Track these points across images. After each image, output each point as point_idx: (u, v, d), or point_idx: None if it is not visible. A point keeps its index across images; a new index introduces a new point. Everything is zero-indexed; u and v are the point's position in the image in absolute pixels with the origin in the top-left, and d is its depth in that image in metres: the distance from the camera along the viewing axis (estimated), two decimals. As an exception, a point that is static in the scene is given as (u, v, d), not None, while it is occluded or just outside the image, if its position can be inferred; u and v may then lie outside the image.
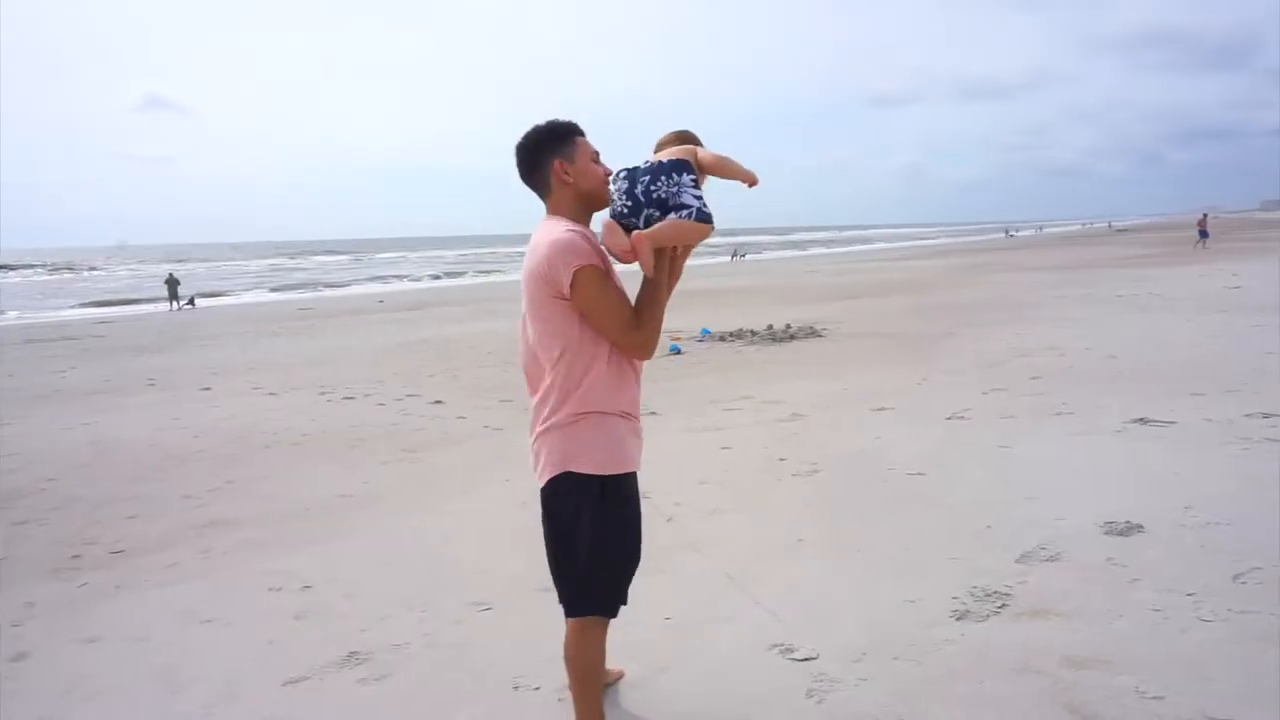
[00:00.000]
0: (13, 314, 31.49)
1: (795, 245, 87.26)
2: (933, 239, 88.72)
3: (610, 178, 2.27)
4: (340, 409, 8.48)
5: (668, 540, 4.21)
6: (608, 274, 2.20)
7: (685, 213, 2.16)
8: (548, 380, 2.24)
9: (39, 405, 9.57)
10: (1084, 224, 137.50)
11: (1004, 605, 3.25)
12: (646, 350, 2.24)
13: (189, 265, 68.26)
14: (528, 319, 2.26)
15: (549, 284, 2.15)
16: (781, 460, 5.59)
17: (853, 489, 4.90)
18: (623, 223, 2.22)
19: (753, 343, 11.77)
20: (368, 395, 9.14)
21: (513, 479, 5.49)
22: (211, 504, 5.41)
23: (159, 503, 5.49)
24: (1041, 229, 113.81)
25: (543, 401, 2.26)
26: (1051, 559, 3.67)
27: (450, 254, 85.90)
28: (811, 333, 12.28)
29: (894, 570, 3.67)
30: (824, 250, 69.32)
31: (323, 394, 9.39)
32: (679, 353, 11.08)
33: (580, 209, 2.28)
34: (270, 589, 3.92)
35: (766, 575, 3.73)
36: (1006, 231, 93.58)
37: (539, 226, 2.26)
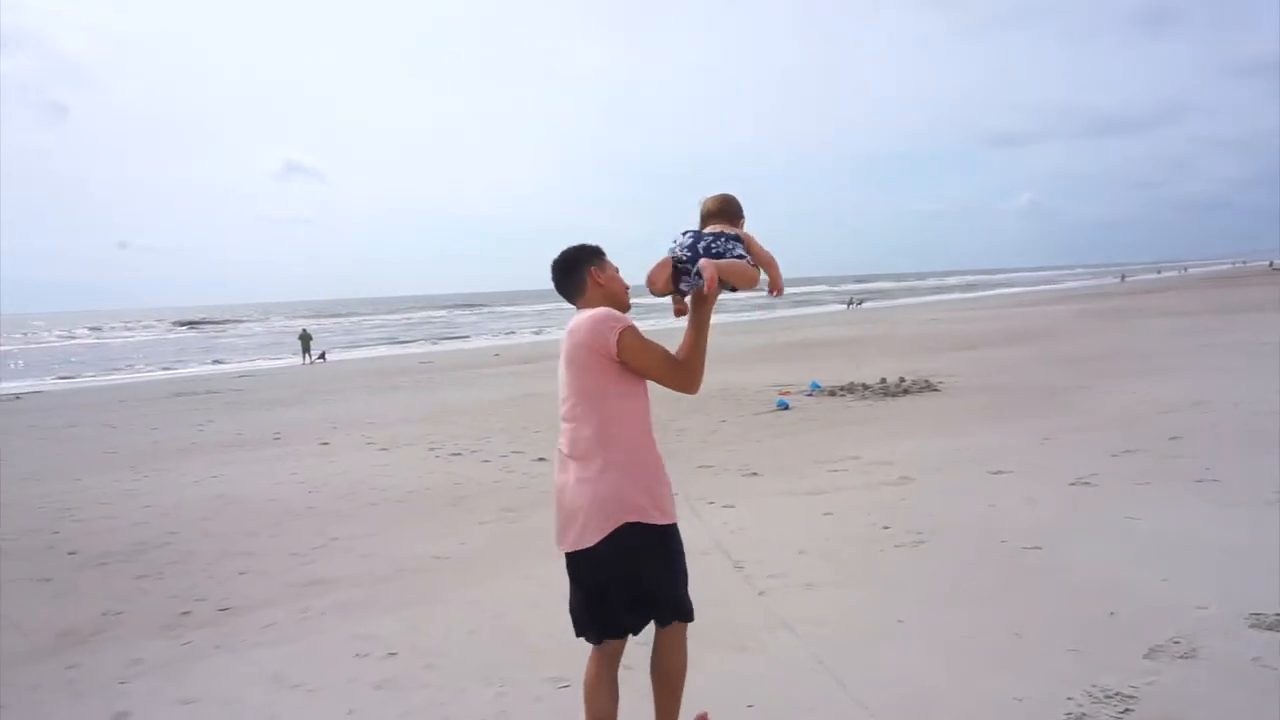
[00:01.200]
0: (159, 371, 33.96)
1: (913, 292, 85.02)
2: (1060, 282, 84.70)
3: (679, 237, 2.61)
4: (446, 465, 8.65)
5: (758, 617, 4.01)
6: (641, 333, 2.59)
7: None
8: (581, 438, 2.55)
9: (176, 458, 10.19)
10: (1236, 263, 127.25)
11: (1128, 710, 2.91)
12: (694, 384, 2.65)
13: (322, 321, 72.20)
14: (570, 388, 2.59)
15: (597, 349, 2.50)
16: (886, 529, 5.30)
17: (961, 563, 4.57)
18: (677, 265, 2.54)
19: (864, 398, 11.38)
20: (474, 451, 9.30)
21: (605, 543, 5.40)
22: (315, 561, 5.55)
23: (267, 559, 5.67)
24: (1186, 269, 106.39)
25: (588, 458, 2.55)
26: (1186, 655, 3.28)
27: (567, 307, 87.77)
28: (927, 386, 11.79)
29: (1002, 661, 3.36)
30: (943, 297, 67.21)
31: (431, 449, 9.62)
32: (786, 408, 10.82)
33: (608, 306, 2.67)
34: (357, 654, 3.94)
35: (860, 660, 3.48)
36: (1122, 276, 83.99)
37: (574, 316, 2.64)
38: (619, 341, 2.48)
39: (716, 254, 2.48)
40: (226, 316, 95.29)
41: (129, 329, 75.79)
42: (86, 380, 31.01)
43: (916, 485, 6.39)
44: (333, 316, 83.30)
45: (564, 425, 2.59)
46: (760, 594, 4.33)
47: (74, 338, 66.75)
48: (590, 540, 2.49)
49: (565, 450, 2.59)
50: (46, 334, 72.55)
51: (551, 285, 2.77)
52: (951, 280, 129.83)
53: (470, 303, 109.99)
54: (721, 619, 4.03)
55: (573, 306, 2.72)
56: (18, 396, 23.87)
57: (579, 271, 2.71)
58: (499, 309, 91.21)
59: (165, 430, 13.15)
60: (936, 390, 11.54)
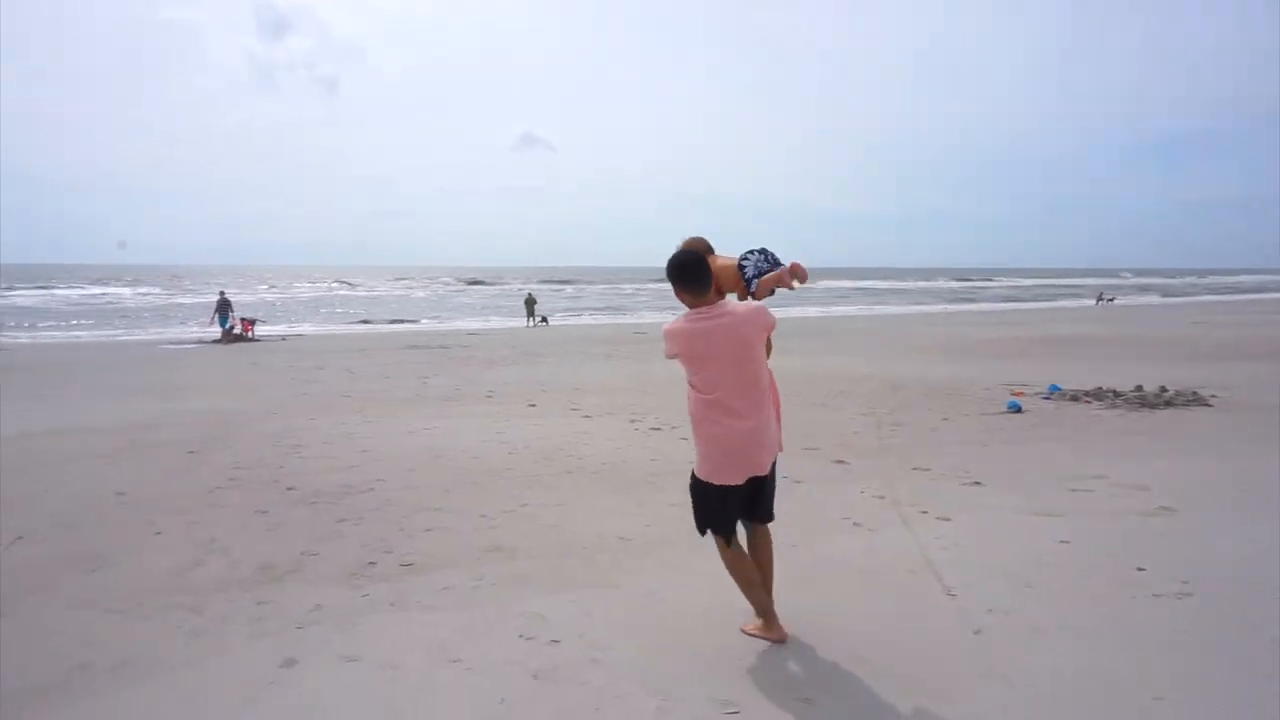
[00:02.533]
0: (399, 324, 36.76)
1: (1174, 291, 75.73)
2: (1375, 290, 72.08)
3: (751, 251, 3.65)
4: (645, 440, 8.45)
5: (969, 660, 3.39)
6: None
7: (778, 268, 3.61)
8: (759, 391, 3.54)
9: (398, 407, 10.76)
10: None
11: None
12: None
13: (548, 286, 75.48)
14: (744, 361, 3.46)
15: (767, 327, 3.53)
16: (1140, 570, 4.40)
17: (1236, 625, 3.66)
18: (763, 272, 3.59)
19: (1114, 406, 9.96)
20: (674, 428, 9.03)
21: (801, 545, 4.91)
22: (500, 526, 5.48)
23: (457, 518, 5.68)
24: None
25: (766, 409, 3.57)
26: None
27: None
28: (1195, 399, 10.12)
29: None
30: (1212, 297, 59.28)
31: (632, 421, 9.47)
32: (1019, 410, 9.68)
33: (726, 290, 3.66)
34: (522, 635, 3.74)
35: (1103, 740, 2.79)
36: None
37: (722, 304, 3.56)
38: (773, 323, 3.55)
39: (775, 263, 3.60)
40: (478, 276, 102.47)
41: (407, 283, 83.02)
42: (339, 327, 34.27)
43: (1181, 519, 5.34)
44: (558, 282, 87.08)
45: (733, 387, 3.44)
46: (976, 632, 3.68)
47: (331, 290, 74.36)
48: (770, 464, 3.65)
49: (736, 405, 3.44)
50: (309, 285, 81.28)
51: (677, 277, 3.52)
52: (1230, 280, 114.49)
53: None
54: (923, 654, 3.45)
55: (675, 293, 3.57)
56: (284, 338, 26.71)
57: (706, 267, 3.52)
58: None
59: (395, 380, 14.03)
60: (1207, 404, 9.87)
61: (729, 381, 3.42)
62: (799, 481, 6.61)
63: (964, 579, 4.33)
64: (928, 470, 6.88)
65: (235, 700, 3.23)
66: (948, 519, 5.44)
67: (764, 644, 3.64)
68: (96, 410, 10.87)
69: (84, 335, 30.76)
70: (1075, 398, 10.50)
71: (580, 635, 3.74)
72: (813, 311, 44.01)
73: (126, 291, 63.48)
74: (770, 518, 3.77)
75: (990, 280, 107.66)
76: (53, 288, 64.50)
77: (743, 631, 3.74)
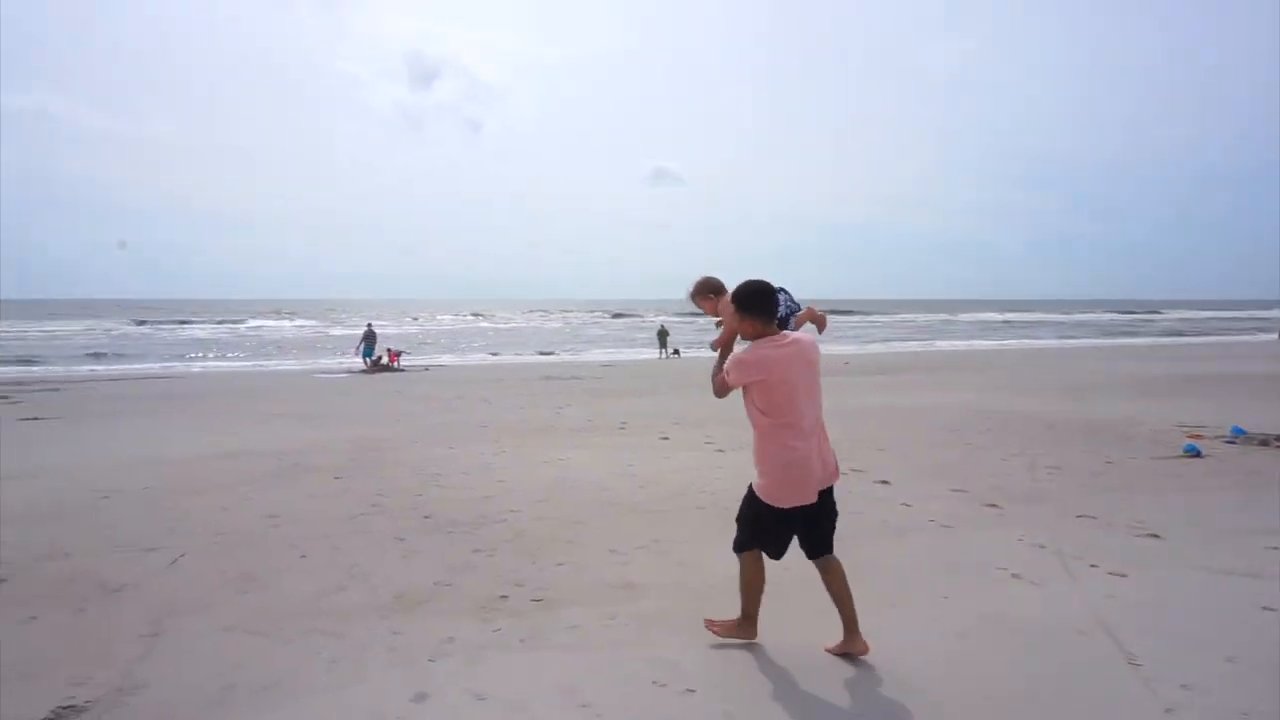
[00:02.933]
0: (534, 355, 37.59)
1: (1379, 324, 68.27)
2: None
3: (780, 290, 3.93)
4: (779, 475, 8.15)
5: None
6: None
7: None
8: (821, 415, 3.84)
9: (532, 438, 10.87)
10: None
11: None
12: None
13: (679, 319, 75.72)
14: (812, 386, 3.75)
15: (820, 355, 3.77)
16: (1367, 645, 3.79)
17: None
18: (793, 310, 4.09)
19: (1312, 452, 8.88)
20: (810, 464, 8.69)
21: (953, 596, 4.54)
22: (632, 562, 5.35)
23: (588, 552, 5.59)
24: None
25: (822, 430, 3.85)
26: None
27: (920, 317, 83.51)
28: None
29: None
30: None
31: (766, 457, 9.18)
32: (1198, 454, 8.79)
33: None
34: (654, 682, 3.57)
35: None
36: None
37: (785, 333, 3.79)
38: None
39: (796, 304, 4.12)
40: (601, 309, 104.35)
41: (542, 315, 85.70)
42: (478, 358, 35.43)
43: None
44: (689, 315, 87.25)
45: (803, 411, 3.69)
46: (1167, 711, 3.23)
47: (471, 321, 77.20)
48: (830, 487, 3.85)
49: (806, 428, 3.69)
50: (452, 317, 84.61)
51: (763, 304, 3.76)
52: None
53: (828, 308, 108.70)
54: (1108, 734, 3.04)
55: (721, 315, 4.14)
56: (426, 368, 27.82)
57: (775, 297, 3.79)
58: (863, 315, 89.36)
59: (529, 410, 14.27)
60: None
61: (800, 406, 3.66)
62: (948, 526, 6.19)
63: (1147, 645, 3.85)
64: (1094, 519, 6.28)
65: (367, 733, 3.20)
66: (1122, 575, 4.90)
67: (922, 707, 3.31)
68: (256, 435, 11.52)
69: (245, 364, 33.10)
70: (1265, 442, 9.45)
71: (717, 685, 3.54)
72: (958, 345, 42.22)
73: (287, 324, 68.16)
74: (830, 549, 3.88)
75: (1157, 313, 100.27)
76: (226, 321, 70.01)
77: (709, 625, 4.10)
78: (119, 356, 36.34)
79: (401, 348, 30.27)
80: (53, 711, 3.34)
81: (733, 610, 4.14)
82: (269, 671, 3.74)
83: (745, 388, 3.74)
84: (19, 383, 22.24)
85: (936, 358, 30.34)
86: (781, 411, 3.65)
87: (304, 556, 5.55)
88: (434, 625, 4.28)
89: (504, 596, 4.71)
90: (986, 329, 61.30)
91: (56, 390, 19.68)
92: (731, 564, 5.27)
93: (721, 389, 3.90)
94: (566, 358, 35.98)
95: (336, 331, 58.47)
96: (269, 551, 5.68)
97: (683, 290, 4.30)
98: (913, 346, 41.52)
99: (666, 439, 10.68)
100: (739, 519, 3.96)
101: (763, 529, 3.82)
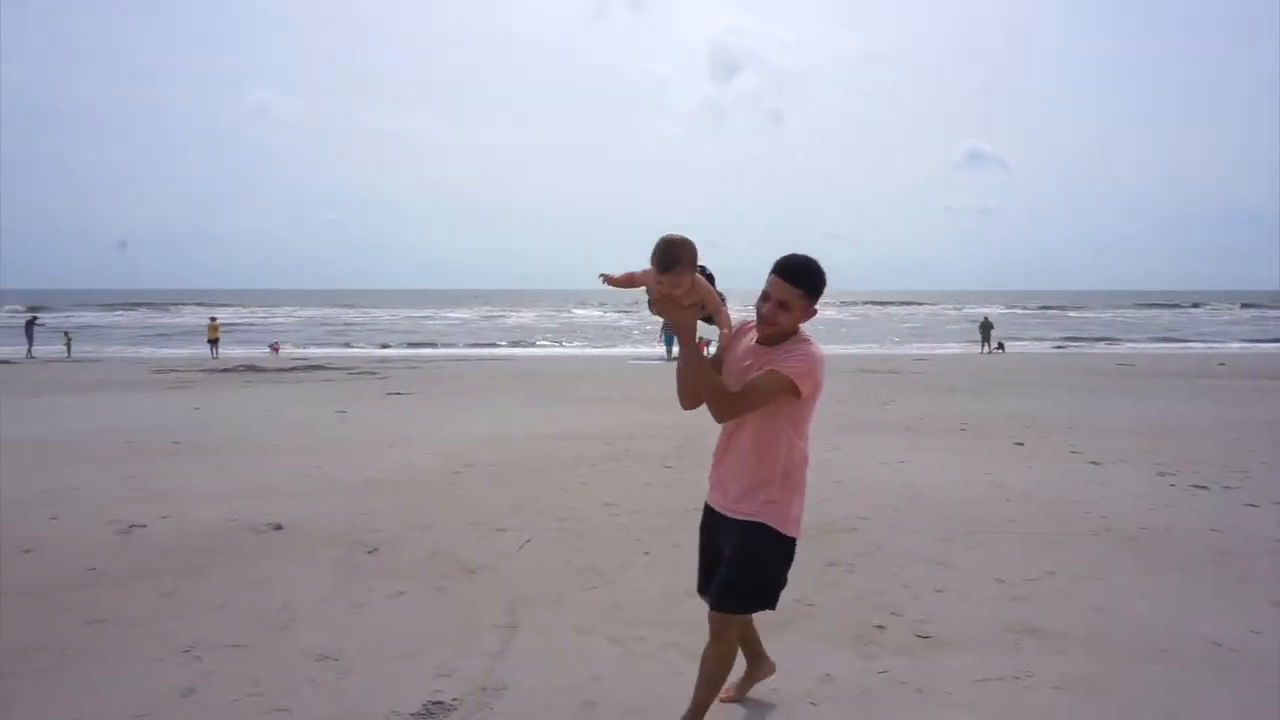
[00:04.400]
0: (857, 347, 36.24)
1: None
2: None
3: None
4: (1188, 500, 6.60)
5: None
6: None
7: None
8: None
9: (863, 434, 10.00)
10: None
11: None
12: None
13: (995, 309, 69.82)
14: None
15: None
16: None
17: None
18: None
19: None
20: (1228, 488, 6.99)
21: None
22: (1029, 598, 4.38)
23: (966, 577, 4.70)
24: None
25: None
26: None
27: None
28: None
29: None
30: None
31: (1162, 474, 7.57)
32: None
33: None
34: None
35: None
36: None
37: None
38: None
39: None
40: (907, 300, 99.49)
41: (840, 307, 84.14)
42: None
43: None
44: (1013, 307, 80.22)
45: None
46: None
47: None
48: None
49: None
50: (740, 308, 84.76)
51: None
52: None
53: (1170, 302, 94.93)
54: None
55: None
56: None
57: None
58: (1214, 308, 76.98)
59: (853, 404, 13.35)
60: None
61: None
62: None
63: None
64: None
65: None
66: None
67: None
68: (584, 417, 11.81)
69: (569, 350, 35.31)
70: None
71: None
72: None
73: (596, 312, 72.43)
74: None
75: None
76: (549, 311, 75.94)
77: (725, 699, 3.18)
78: (466, 341, 40.64)
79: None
80: (424, 707, 3.17)
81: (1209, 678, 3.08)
82: (630, 691, 3.35)
83: (777, 402, 2.67)
84: (384, 360, 25.34)
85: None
86: (807, 429, 2.83)
87: (647, 553, 5.23)
88: (805, 654, 3.67)
89: (880, 626, 3.99)
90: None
91: (414, 369, 22.08)
92: (1173, 614, 4.10)
93: (753, 402, 2.67)
94: (874, 351, 34.25)
95: (626, 321, 61.06)
96: (612, 544, 5.44)
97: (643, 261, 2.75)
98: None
99: (1021, 444, 9.30)
100: (766, 581, 2.83)
101: (784, 572, 2.88)
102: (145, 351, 32.95)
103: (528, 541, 5.46)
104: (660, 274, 2.55)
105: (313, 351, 31.82)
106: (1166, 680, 3.41)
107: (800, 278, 2.66)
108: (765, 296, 2.69)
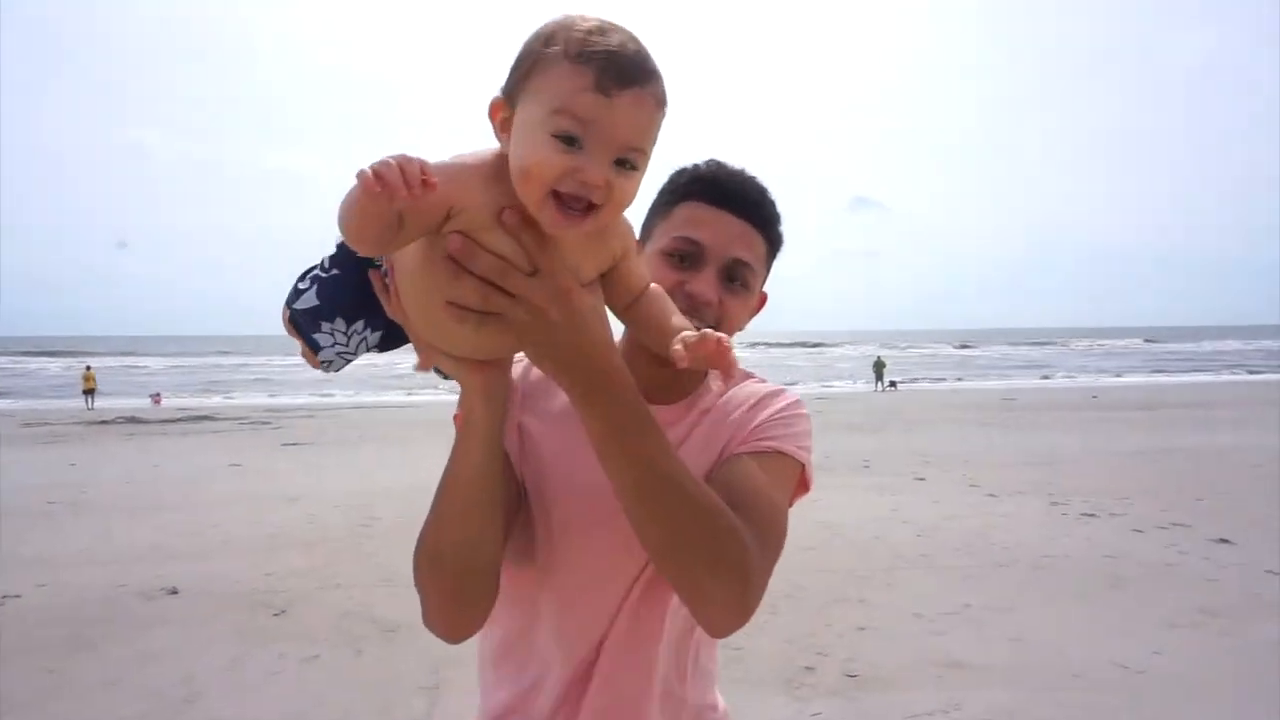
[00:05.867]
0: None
1: None
2: None
3: None
4: (1080, 528, 6.95)
5: None
6: None
7: None
8: None
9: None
10: None
11: None
12: None
13: (890, 351, 72.79)
14: None
15: None
16: None
17: None
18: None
19: None
20: (1114, 515, 7.40)
21: None
22: (947, 632, 4.50)
23: (888, 616, 4.79)
24: None
25: None
26: None
27: (1154, 347, 75.22)
28: None
29: None
30: None
31: (1054, 504, 7.96)
32: None
33: None
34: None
35: None
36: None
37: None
38: None
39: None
40: (801, 341, 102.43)
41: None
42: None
43: None
44: (899, 347, 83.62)
45: None
46: None
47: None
48: None
49: None
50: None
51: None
52: None
53: (1041, 340, 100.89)
54: None
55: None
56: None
57: None
58: (1076, 345, 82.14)
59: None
60: None
61: None
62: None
63: None
64: None
65: None
66: None
67: None
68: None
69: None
70: None
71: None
72: (1205, 378, 37.30)
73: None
74: None
75: None
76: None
77: None
78: (366, 387, 39.46)
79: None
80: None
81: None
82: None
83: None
84: (276, 410, 24.39)
85: (1196, 390, 26.66)
86: None
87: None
88: (736, 701, 3.64)
89: (809, 668, 4.02)
90: (1237, 357, 54.06)
91: (311, 417, 21.29)
92: (1080, 640, 4.19)
93: (782, 528, 1.14)
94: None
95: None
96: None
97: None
98: (1159, 380, 37.01)
99: (923, 480, 9.63)
100: None
101: None
102: (13, 404, 30.73)
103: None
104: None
105: (199, 401, 30.33)
106: (1084, 705, 3.55)
107: (772, 219, 1.27)
108: (693, 260, 1.19)
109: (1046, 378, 39.89)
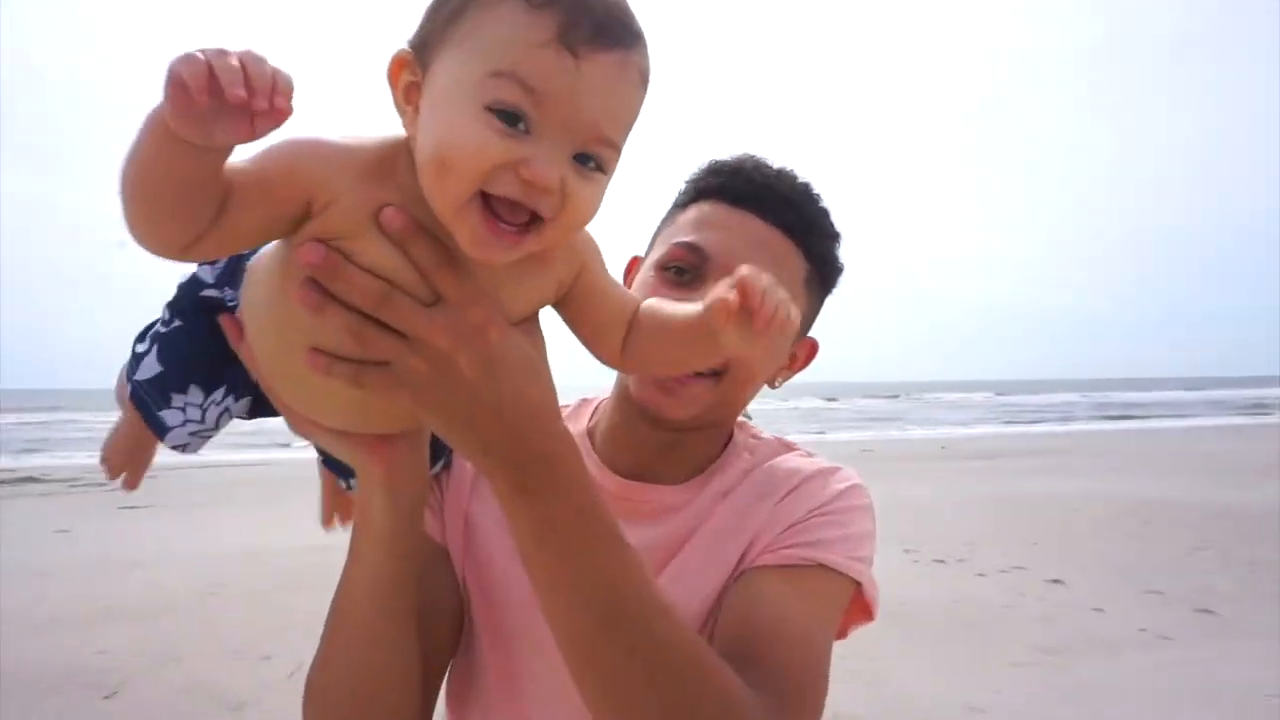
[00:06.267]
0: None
1: None
2: None
3: None
4: (933, 574, 7.33)
5: None
6: None
7: None
8: None
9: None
10: None
11: None
12: None
13: (759, 405, 74.59)
14: None
15: None
16: None
17: None
18: None
19: None
20: (961, 561, 7.84)
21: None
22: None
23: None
24: None
25: None
26: None
27: (1028, 398, 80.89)
28: None
29: None
30: None
31: (907, 552, 8.35)
32: None
33: None
34: None
35: None
36: None
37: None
38: None
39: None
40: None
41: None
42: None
43: None
44: (768, 399, 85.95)
45: None
46: None
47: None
48: None
49: None
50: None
51: None
52: None
53: (898, 392, 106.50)
54: None
55: None
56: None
57: None
58: (937, 396, 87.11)
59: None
60: None
61: None
62: (1167, 638, 5.30)
63: None
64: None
65: None
66: None
67: None
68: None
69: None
70: None
71: None
72: (1054, 428, 40.32)
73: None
74: None
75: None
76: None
77: None
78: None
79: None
80: None
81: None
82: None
83: None
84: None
85: (1036, 440, 28.74)
86: None
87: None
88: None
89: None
90: (1085, 409, 58.78)
91: (152, 478, 19.79)
92: (936, 683, 4.42)
93: (821, 686, 0.95)
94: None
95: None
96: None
97: None
98: (1015, 429, 39.72)
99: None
100: None
101: None
102: None
103: (299, 669, 5.00)
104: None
105: (19, 462, 27.72)
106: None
107: (816, 227, 1.02)
108: (695, 274, 0.95)
109: (902, 430, 42.03)
